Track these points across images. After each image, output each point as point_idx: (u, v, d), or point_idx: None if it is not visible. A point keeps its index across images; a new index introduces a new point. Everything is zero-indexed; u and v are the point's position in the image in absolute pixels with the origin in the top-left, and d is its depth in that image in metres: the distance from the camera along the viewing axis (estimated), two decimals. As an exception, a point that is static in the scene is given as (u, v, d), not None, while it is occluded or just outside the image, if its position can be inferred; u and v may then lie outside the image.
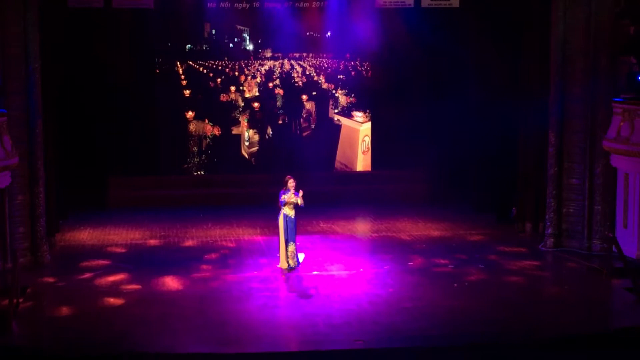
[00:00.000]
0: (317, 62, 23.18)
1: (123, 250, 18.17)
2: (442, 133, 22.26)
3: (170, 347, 12.86)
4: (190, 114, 22.68)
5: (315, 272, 16.48)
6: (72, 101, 20.78)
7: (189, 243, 18.80)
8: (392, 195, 22.62)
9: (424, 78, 22.38)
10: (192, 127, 22.74)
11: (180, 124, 22.68)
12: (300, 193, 16.17)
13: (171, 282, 15.94)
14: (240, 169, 23.03)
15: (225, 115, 22.93)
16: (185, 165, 22.81)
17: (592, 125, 17.71)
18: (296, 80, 23.19)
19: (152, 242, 18.89)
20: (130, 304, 14.75)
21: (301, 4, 22.17)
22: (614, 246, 16.19)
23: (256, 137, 23.09)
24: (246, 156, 23.13)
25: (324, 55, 23.05)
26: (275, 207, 16.52)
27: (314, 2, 22.20)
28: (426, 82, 22.39)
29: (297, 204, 16.24)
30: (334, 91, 23.34)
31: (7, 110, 16.21)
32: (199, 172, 22.89)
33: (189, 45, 22.60)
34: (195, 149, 22.84)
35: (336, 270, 16.65)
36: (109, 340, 13.17)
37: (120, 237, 19.20)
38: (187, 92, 22.62)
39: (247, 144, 23.08)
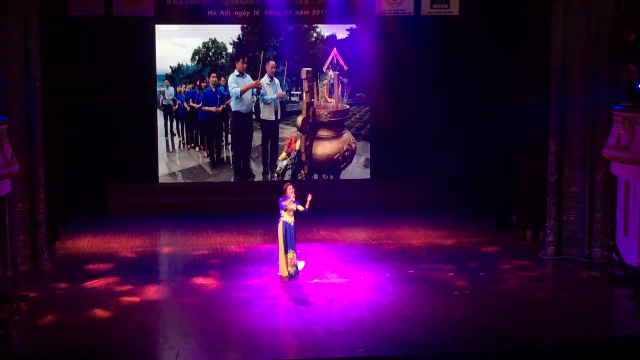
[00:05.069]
0: (323, 71, 23.18)
1: (123, 258, 18.15)
2: (442, 140, 22.25)
3: (169, 356, 12.85)
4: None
5: (315, 280, 16.47)
6: (72, 108, 20.77)
7: (190, 251, 18.78)
8: (393, 202, 22.57)
9: (424, 85, 22.33)
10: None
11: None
12: (309, 197, 16.14)
13: (171, 290, 15.92)
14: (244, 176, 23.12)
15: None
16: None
17: (592, 132, 17.67)
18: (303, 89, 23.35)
19: (153, 250, 18.88)
20: (130, 312, 14.73)
21: (301, 12, 22.16)
22: (614, 254, 16.19)
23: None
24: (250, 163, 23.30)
25: (329, 63, 23.08)
26: (275, 214, 16.53)
27: (315, 10, 22.20)
28: (426, 89, 22.34)
29: (297, 210, 16.23)
30: None
31: (7, 117, 16.20)
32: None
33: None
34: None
35: (336, 278, 16.63)
36: (108, 349, 13.16)
37: (120, 244, 19.18)
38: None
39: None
